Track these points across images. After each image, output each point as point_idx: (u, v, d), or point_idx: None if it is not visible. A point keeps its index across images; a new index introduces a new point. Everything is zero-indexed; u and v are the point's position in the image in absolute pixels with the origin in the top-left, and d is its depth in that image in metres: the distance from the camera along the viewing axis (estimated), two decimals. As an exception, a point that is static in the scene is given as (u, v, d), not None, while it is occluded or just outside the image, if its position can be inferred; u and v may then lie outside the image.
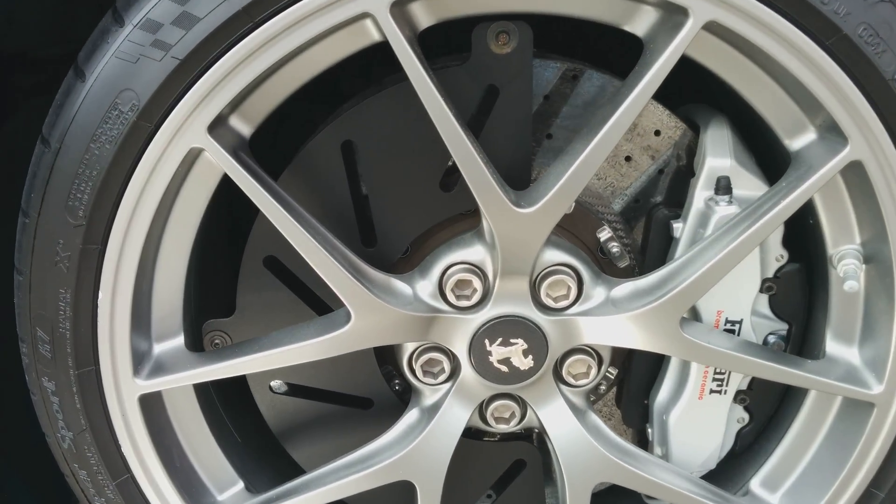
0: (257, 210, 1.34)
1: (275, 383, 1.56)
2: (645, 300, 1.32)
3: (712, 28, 1.16)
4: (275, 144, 1.45)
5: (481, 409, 1.45)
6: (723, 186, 1.33)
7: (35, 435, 1.38)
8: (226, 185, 1.35)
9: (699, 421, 1.46)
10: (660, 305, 1.29)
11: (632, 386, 1.54)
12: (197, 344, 1.44)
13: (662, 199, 1.47)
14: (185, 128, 1.15)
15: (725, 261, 1.27)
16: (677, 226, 1.39)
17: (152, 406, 1.35)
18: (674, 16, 1.16)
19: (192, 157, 1.20)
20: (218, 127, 1.18)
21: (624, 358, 1.54)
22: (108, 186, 1.16)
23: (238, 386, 1.52)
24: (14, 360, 1.33)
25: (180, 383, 1.31)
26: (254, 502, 1.43)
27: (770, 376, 1.34)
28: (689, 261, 1.31)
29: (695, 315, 1.40)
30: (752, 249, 1.28)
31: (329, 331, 1.31)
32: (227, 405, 1.54)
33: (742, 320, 1.39)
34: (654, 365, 1.51)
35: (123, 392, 1.30)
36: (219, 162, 1.18)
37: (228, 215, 1.45)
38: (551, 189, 1.23)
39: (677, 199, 1.45)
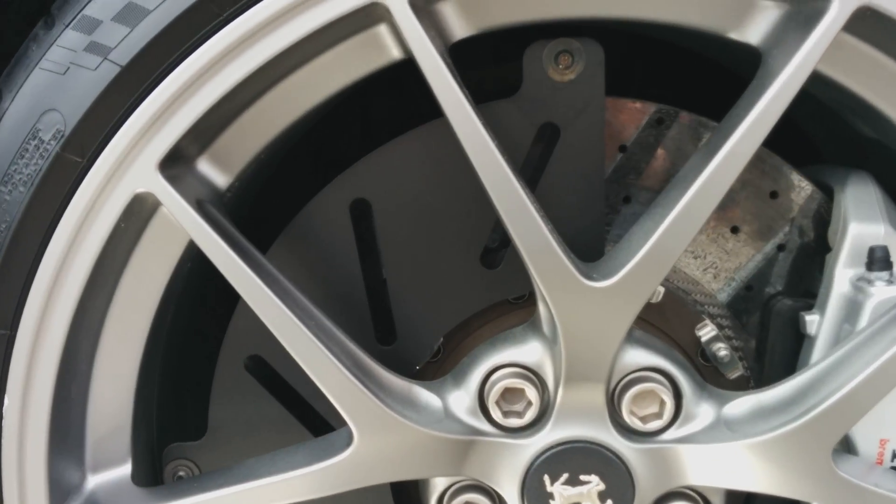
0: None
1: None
2: (776, 421, 0.92)
3: (858, 22, 0.82)
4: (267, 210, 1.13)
5: (541, 580, 1.03)
6: (879, 259, 0.95)
7: None
8: (200, 259, 1.03)
9: None
10: (803, 428, 0.89)
11: (753, 548, 1.10)
12: (153, 477, 1.07)
13: (784, 285, 1.09)
14: (129, 164, 0.84)
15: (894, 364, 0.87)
16: (811, 319, 1.00)
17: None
18: (806, 5, 0.83)
19: (144, 209, 0.89)
20: (176, 167, 0.87)
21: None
22: (21, 245, 0.85)
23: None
24: None
25: (117, 531, 0.94)
26: None
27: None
28: (839, 364, 0.92)
29: (846, 446, 0.98)
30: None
31: (323, 458, 0.93)
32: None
33: (918, 454, 0.96)
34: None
35: (34, 542, 0.92)
36: (173, 213, 0.86)
37: (202, 302, 1.12)
38: (635, 255, 0.87)
39: (805, 286, 1.08)
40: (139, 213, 0.89)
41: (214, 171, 0.92)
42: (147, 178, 0.84)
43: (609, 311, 0.88)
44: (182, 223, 0.86)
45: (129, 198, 0.85)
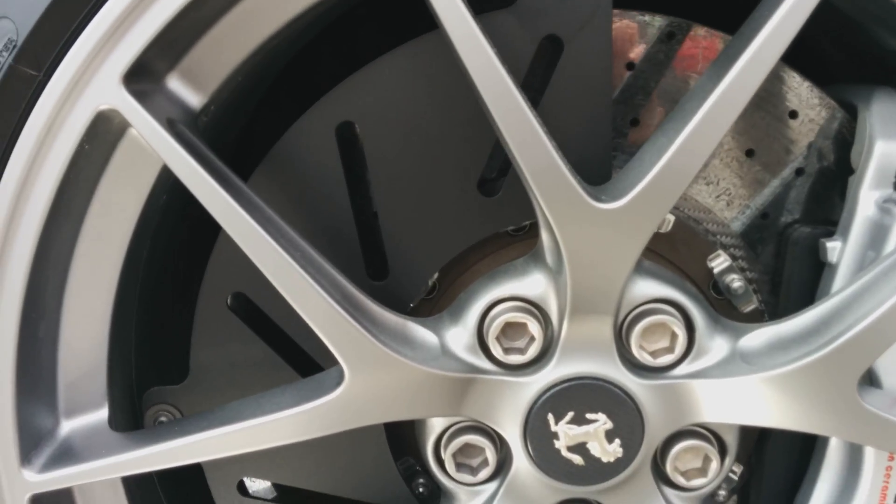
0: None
1: (249, 482, 1.11)
2: (797, 353, 0.86)
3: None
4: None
5: (544, 524, 0.98)
6: (908, 178, 0.88)
7: None
8: (176, 192, 0.96)
9: (880, 546, 0.95)
10: (826, 358, 0.82)
11: (766, 491, 1.05)
12: (133, 423, 1.01)
13: (801, 213, 1.02)
14: (90, 78, 0.76)
15: (926, 289, 0.81)
16: (832, 246, 0.94)
17: (55, 513, 0.92)
18: None
19: (110, 130, 0.81)
20: (144, 83, 0.79)
21: (753, 448, 1.06)
22: (-25, 169, 0.77)
23: (200, 483, 1.07)
24: None
25: (95, 477, 0.88)
26: None
27: None
28: (864, 290, 0.85)
29: (871, 380, 0.92)
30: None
31: (312, 398, 0.87)
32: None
33: (946, 387, 0.91)
34: (799, 459, 1.03)
35: (5, 490, 0.87)
36: (142, 133, 0.78)
37: (180, 238, 1.05)
38: (647, 174, 0.80)
39: (824, 213, 1.01)
40: (105, 134, 0.81)
41: (186, 90, 0.85)
42: (110, 94, 0.76)
43: (619, 235, 0.82)
44: (151, 143, 0.79)
45: (92, 115, 0.77)
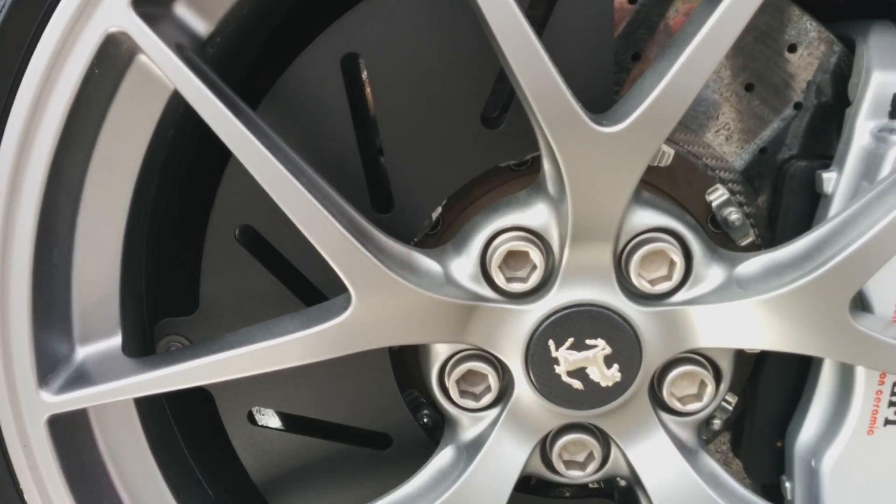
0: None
1: (258, 412, 1.14)
2: (790, 276, 0.88)
3: None
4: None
5: (544, 448, 1.01)
6: (904, 106, 0.90)
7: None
8: (184, 126, 0.97)
9: (869, 467, 0.98)
10: (817, 280, 0.85)
11: (759, 420, 1.08)
12: (145, 352, 1.04)
13: (799, 147, 1.04)
14: (99, 0, 0.77)
15: (917, 213, 0.83)
16: (828, 177, 0.96)
17: (73, 436, 0.95)
18: None
19: (119, 54, 0.82)
20: (152, 6, 0.81)
21: (746, 379, 1.09)
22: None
23: (209, 414, 1.10)
24: None
25: (109, 398, 0.91)
26: (219, 579, 1.00)
27: None
28: (857, 215, 0.87)
29: (862, 305, 0.95)
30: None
31: (320, 321, 0.89)
32: (194, 441, 1.12)
33: (936, 312, 0.93)
34: (791, 388, 1.06)
35: (24, 411, 0.89)
36: (151, 56, 0.79)
37: (189, 172, 1.07)
38: (646, 99, 0.81)
39: (821, 148, 1.03)
40: (114, 58, 0.82)
41: (193, 17, 0.86)
42: (120, 16, 0.78)
43: (619, 159, 0.83)
44: (161, 67, 0.80)
45: (102, 38, 0.78)
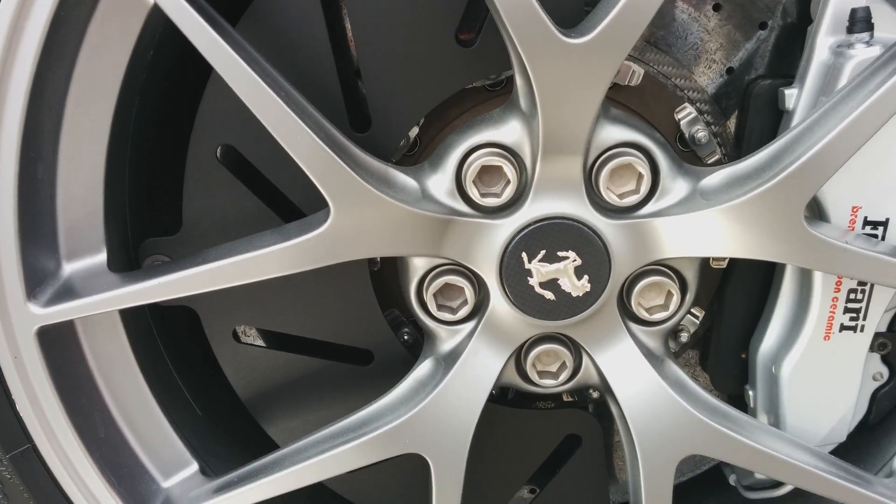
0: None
1: (242, 329, 1.18)
2: (750, 186, 0.92)
3: None
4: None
5: (519, 359, 1.06)
6: (860, 20, 0.93)
7: None
8: (163, 47, 0.99)
9: (824, 372, 1.04)
10: (774, 188, 0.89)
11: (724, 333, 1.13)
12: (131, 270, 1.06)
13: (765, 67, 1.07)
14: None
15: (866, 120, 0.86)
16: (790, 93, 0.99)
17: (62, 349, 0.98)
18: None
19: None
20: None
21: (713, 294, 1.14)
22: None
23: (194, 332, 1.14)
24: None
25: (95, 310, 0.94)
26: (209, 487, 1.04)
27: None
28: (812, 126, 0.91)
29: (820, 215, 0.99)
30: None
31: (300, 235, 0.92)
32: (180, 360, 1.16)
33: (888, 220, 0.98)
34: (755, 301, 1.11)
35: (14, 323, 0.92)
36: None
37: (168, 94, 1.08)
38: (612, 11, 0.84)
39: (785, 68, 1.06)
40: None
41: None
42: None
43: (587, 70, 0.86)
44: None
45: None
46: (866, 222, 0.97)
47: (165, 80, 1.06)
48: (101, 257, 0.98)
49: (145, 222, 1.08)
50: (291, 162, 0.90)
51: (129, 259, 1.06)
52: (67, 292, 0.94)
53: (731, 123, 1.10)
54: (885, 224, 0.97)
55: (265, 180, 1.04)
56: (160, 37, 0.98)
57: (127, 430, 1.06)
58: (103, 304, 0.93)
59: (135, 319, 1.06)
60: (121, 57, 0.92)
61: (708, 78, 1.07)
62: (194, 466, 1.09)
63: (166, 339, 1.13)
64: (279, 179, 1.03)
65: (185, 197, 1.05)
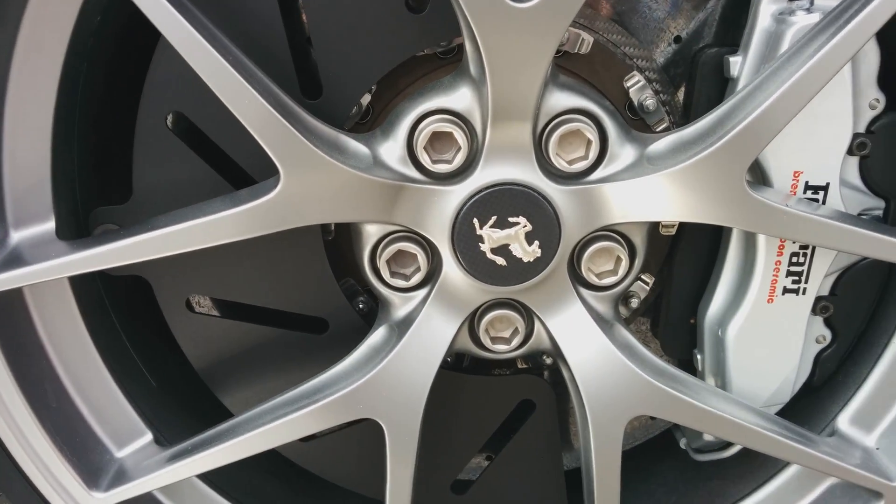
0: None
1: (196, 300, 1.18)
2: (694, 151, 0.94)
3: None
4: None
5: (472, 325, 1.07)
6: (802, -12, 0.95)
7: None
8: (115, 6, 0.98)
9: (768, 334, 1.07)
10: (716, 152, 0.91)
11: (674, 299, 1.16)
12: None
13: (712, 37, 1.09)
14: None
15: (804, 85, 0.88)
16: (734, 60, 1.01)
17: (10, 318, 0.98)
18: None
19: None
20: None
21: (663, 261, 1.16)
22: None
23: (147, 303, 1.13)
24: None
25: (43, 277, 0.93)
26: (163, 457, 1.04)
27: (887, 255, 0.95)
28: (754, 91, 0.93)
29: (763, 180, 1.01)
30: (837, 67, 0.89)
31: (250, 201, 0.92)
32: (133, 330, 1.15)
33: (828, 185, 1.00)
34: (703, 267, 1.13)
35: (-41, 291, 0.91)
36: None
37: (115, 62, 1.07)
38: (560, -26, 0.85)
39: (732, 37, 1.08)
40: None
41: None
42: None
43: (534, 34, 0.87)
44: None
45: None
46: (808, 187, 1.00)
47: (114, 46, 1.04)
48: (50, 225, 0.98)
49: (95, 191, 1.07)
50: (242, 129, 0.90)
51: (78, 227, 1.05)
52: (15, 260, 0.94)
53: (682, 93, 1.12)
54: (825, 188, 1.00)
55: (217, 148, 1.04)
56: (107, 2, 0.97)
57: (79, 400, 1.05)
58: (51, 271, 0.92)
59: (86, 289, 1.05)
60: (65, 22, 0.91)
61: (656, 46, 1.08)
62: (148, 436, 1.09)
63: (118, 310, 1.13)
64: (230, 146, 1.03)
65: (135, 165, 1.04)
